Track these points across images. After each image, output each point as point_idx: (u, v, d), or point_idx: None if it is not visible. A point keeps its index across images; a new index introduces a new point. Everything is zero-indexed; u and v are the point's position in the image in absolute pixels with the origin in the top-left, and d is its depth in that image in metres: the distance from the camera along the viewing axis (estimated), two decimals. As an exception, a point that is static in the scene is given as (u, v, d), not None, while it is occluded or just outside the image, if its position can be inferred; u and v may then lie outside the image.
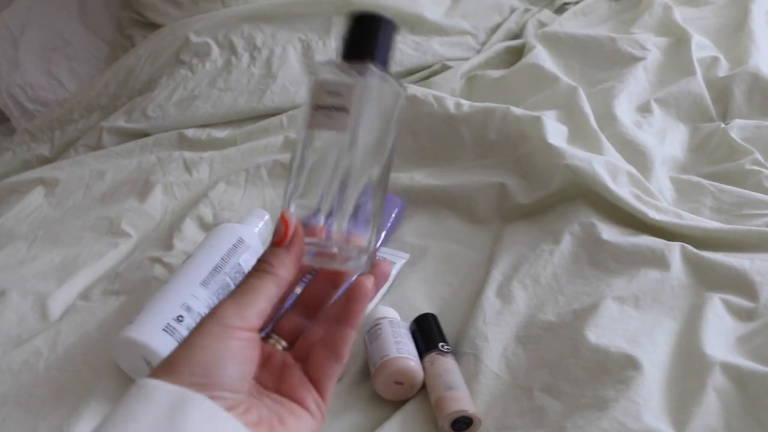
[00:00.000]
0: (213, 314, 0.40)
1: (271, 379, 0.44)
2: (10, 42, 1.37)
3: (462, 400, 0.58)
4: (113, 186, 1.06)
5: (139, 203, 0.99)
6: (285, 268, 0.42)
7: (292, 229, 0.43)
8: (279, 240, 0.43)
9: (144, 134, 1.17)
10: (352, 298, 0.44)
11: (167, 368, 0.39)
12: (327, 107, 0.43)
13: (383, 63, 0.45)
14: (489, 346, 0.65)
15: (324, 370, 0.44)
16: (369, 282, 0.44)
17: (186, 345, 0.40)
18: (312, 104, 0.44)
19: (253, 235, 0.80)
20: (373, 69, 0.43)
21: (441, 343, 0.64)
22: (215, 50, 1.21)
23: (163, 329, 0.67)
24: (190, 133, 1.14)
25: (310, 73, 0.45)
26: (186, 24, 1.24)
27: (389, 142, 0.45)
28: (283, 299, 0.45)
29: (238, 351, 0.40)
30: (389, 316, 0.67)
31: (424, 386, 0.62)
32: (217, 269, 0.73)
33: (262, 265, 0.43)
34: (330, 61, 0.45)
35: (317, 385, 0.44)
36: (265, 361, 0.44)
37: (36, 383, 0.71)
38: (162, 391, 0.38)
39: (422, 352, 0.64)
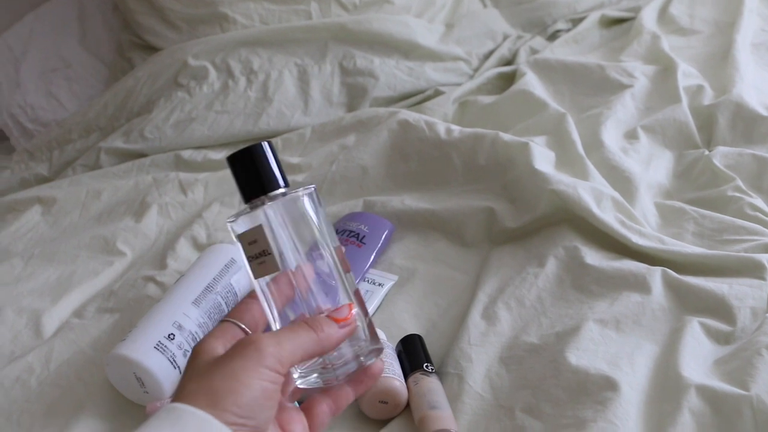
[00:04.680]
0: (255, 348, 0.41)
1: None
2: (11, 62, 1.39)
3: (445, 419, 0.60)
4: (110, 205, 1.08)
5: (135, 223, 1.00)
6: (329, 341, 0.45)
7: (351, 320, 0.46)
8: (340, 319, 0.46)
9: (141, 155, 1.19)
10: (368, 375, 0.49)
11: (211, 400, 0.39)
12: (255, 256, 0.46)
13: (276, 182, 0.48)
14: (473, 366, 0.66)
15: (323, 418, 0.48)
16: (381, 364, 0.50)
17: (229, 377, 0.40)
18: (246, 258, 0.47)
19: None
20: (264, 203, 0.47)
21: (426, 364, 0.66)
22: (213, 74, 1.23)
23: (155, 347, 0.68)
24: (186, 154, 1.16)
25: (232, 230, 0.48)
26: (184, 48, 1.26)
27: (326, 230, 0.49)
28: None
29: (272, 395, 0.41)
30: (376, 336, 0.68)
31: (408, 405, 0.63)
32: (209, 289, 0.75)
33: (314, 323, 0.45)
34: (239, 212, 0.48)
35: (312, 428, 0.48)
36: None
37: (28, 399, 0.72)
38: (191, 416, 0.39)
39: (407, 372, 0.65)
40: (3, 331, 0.83)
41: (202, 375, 0.41)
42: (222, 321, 0.47)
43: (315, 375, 0.48)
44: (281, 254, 0.46)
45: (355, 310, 0.47)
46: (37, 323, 0.84)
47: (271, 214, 0.47)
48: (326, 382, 0.48)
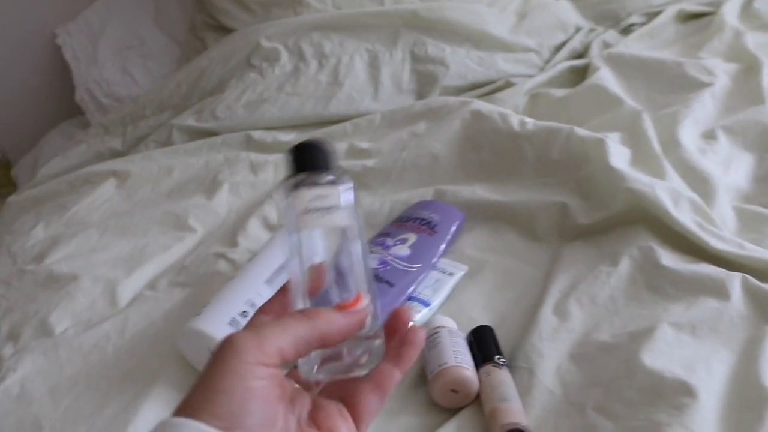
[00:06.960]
0: (231, 346, 0.37)
1: (308, 412, 0.43)
2: (90, 39, 1.43)
3: (516, 412, 0.60)
4: (180, 182, 1.10)
5: (206, 200, 1.02)
6: (328, 323, 0.41)
7: (358, 309, 0.42)
8: (342, 306, 0.42)
9: (212, 134, 1.21)
10: (407, 344, 0.44)
11: (190, 413, 0.36)
12: (317, 210, 0.46)
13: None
14: (543, 361, 0.66)
15: (369, 406, 0.43)
16: (422, 332, 0.45)
17: (207, 387, 0.37)
18: (298, 211, 0.46)
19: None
20: (347, 176, 0.48)
21: (497, 356, 0.66)
22: (285, 56, 1.24)
23: (229, 323, 0.70)
24: (256, 135, 1.17)
25: (286, 190, 0.47)
26: (258, 29, 1.28)
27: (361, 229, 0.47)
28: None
29: (262, 393, 0.37)
30: (447, 325, 0.69)
31: (478, 396, 0.63)
32: (281, 269, 0.76)
33: (305, 310, 0.42)
34: (297, 178, 0.47)
35: (357, 420, 0.43)
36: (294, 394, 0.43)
37: (105, 365, 0.75)
38: (186, 428, 0.35)
39: (478, 363, 0.65)
40: (80, 298, 0.86)
41: (192, 387, 0.38)
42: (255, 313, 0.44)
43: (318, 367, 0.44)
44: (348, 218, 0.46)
45: (366, 302, 0.43)
46: (112, 292, 0.87)
47: (349, 184, 0.48)
48: (333, 373, 0.44)
